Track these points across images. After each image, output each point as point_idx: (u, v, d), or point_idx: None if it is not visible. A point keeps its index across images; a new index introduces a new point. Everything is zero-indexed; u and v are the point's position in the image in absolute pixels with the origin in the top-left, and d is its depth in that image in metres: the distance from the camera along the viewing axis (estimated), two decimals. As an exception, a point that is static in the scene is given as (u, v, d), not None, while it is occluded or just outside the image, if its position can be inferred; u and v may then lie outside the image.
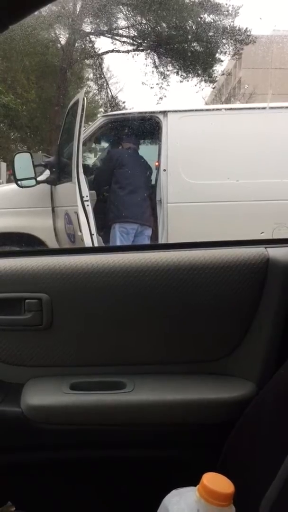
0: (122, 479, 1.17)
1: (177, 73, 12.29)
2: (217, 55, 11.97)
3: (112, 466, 1.18)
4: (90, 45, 12.59)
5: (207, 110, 4.83)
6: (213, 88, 14.50)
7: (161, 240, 3.94)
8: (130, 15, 11.64)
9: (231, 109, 4.79)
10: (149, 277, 1.11)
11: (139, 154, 4.25)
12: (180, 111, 4.06)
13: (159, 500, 0.78)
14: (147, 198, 4.05)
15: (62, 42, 12.61)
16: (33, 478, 1.18)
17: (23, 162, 3.82)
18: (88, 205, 3.53)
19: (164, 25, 11.42)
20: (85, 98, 3.61)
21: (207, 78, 12.53)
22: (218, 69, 12.90)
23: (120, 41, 12.39)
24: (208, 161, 3.87)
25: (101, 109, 14.14)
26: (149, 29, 11.65)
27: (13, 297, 1.13)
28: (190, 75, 12.29)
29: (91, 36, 12.41)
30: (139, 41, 12.23)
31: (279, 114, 4.03)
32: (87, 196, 3.54)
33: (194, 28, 11.22)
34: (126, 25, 11.92)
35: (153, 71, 12.46)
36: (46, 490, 1.17)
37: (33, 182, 3.86)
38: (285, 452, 0.69)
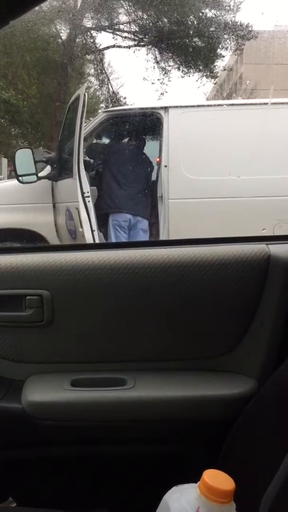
0: (122, 476, 1.17)
1: (178, 68, 12.23)
2: (218, 50, 11.89)
3: (112, 463, 1.18)
4: (91, 40, 12.53)
5: (208, 105, 4.81)
6: (215, 83, 14.42)
7: (162, 236, 3.93)
8: (131, 10, 11.58)
9: (232, 105, 4.75)
10: (150, 274, 1.11)
11: (141, 150, 4.24)
12: (181, 106, 4.05)
13: (159, 496, 0.78)
14: (143, 192, 4.05)
15: (63, 38, 12.55)
16: (34, 474, 1.19)
17: (24, 158, 3.82)
18: (89, 201, 3.53)
19: (166, 20, 11.35)
20: (86, 94, 3.60)
21: (208, 73, 12.46)
22: (220, 64, 12.83)
23: (121, 37, 12.32)
24: (210, 157, 3.86)
25: (102, 105, 14.10)
26: (150, 24, 11.59)
27: (14, 293, 1.13)
28: (192, 71, 12.23)
29: (92, 32, 12.35)
30: (140, 37, 12.16)
31: (280, 109, 4.01)
32: (88, 192, 3.53)
33: (195, 23, 11.15)
34: (127, 20, 11.85)
35: (154, 66, 12.41)
36: (47, 486, 1.17)
37: (34, 178, 3.86)
38: (286, 449, 0.69)
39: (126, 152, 4.13)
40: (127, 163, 4.04)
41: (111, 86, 13.43)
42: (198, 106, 4.26)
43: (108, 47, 12.64)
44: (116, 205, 3.97)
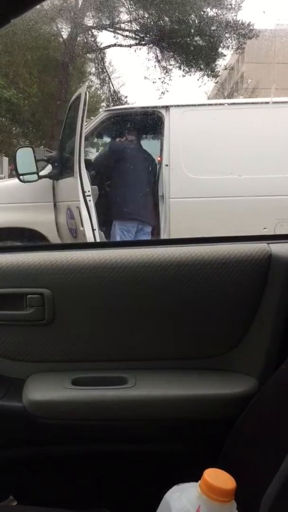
0: (123, 475, 1.18)
1: (180, 67, 12.21)
2: (219, 49, 11.88)
3: (113, 461, 1.18)
4: (92, 39, 12.51)
5: (209, 105, 4.81)
6: (216, 82, 14.41)
7: (163, 235, 3.93)
8: (133, 9, 11.56)
9: (234, 104, 4.76)
10: (151, 273, 1.11)
11: (142, 147, 4.23)
12: (182, 106, 4.05)
13: (160, 495, 0.78)
14: (149, 194, 4.03)
15: (64, 36, 12.52)
16: (34, 473, 1.19)
17: (25, 157, 3.82)
18: (90, 200, 3.53)
19: (167, 19, 11.33)
20: (87, 93, 3.60)
21: (209, 72, 12.45)
22: (221, 63, 12.81)
23: (122, 35, 12.30)
24: (211, 156, 3.85)
25: (103, 104, 14.09)
26: (152, 23, 11.56)
27: (15, 292, 1.13)
28: (193, 70, 12.22)
29: (93, 30, 12.33)
30: (142, 35, 12.15)
31: (282, 109, 4.01)
32: (89, 191, 3.53)
33: (196, 22, 11.13)
34: (128, 19, 11.83)
35: (155, 65, 12.39)
36: (48, 484, 1.17)
37: (35, 177, 3.86)
38: (287, 449, 0.69)
39: (129, 152, 4.08)
40: (133, 165, 3.98)
41: (112, 85, 13.42)
42: (199, 105, 4.25)
43: (109, 46, 12.63)
44: (126, 212, 3.91)
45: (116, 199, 3.97)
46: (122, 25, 12.09)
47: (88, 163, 3.93)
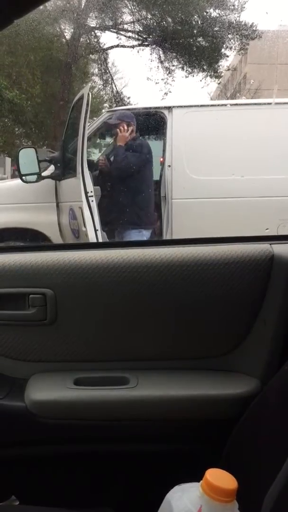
0: (125, 474, 1.18)
1: (182, 68, 12.24)
2: (222, 50, 11.91)
3: (115, 461, 1.18)
4: (95, 40, 12.55)
5: (212, 105, 4.81)
6: (219, 83, 14.44)
7: (166, 236, 3.93)
8: (135, 10, 11.59)
9: (236, 104, 4.76)
10: (154, 273, 1.11)
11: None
12: (185, 106, 4.05)
13: (162, 495, 0.78)
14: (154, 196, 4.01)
15: (67, 37, 12.56)
16: (37, 473, 1.19)
17: (27, 157, 3.82)
18: (92, 201, 3.53)
19: (170, 19, 11.36)
20: (89, 93, 3.60)
21: (212, 73, 12.48)
22: (224, 64, 12.87)
23: (125, 36, 12.34)
24: (213, 157, 3.85)
25: (106, 105, 14.12)
26: (154, 24, 11.60)
27: (17, 292, 1.13)
28: (196, 71, 12.25)
29: (96, 31, 12.37)
30: (144, 36, 12.19)
31: (284, 109, 4.01)
32: (91, 191, 3.54)
33: (199, 23, 11.16)
34: (131, 20, 11.87)
35: (158, 66, 12.43)
36: (50, 484, 1.18)
37: (37, 177, 3.86)
38: None
39: (140, 152, 3.97)
40: (148, 167, 3.85)
41: (115, 86, 13.46)
42: (202, 106, 4.25)
43: (112, 47, 12.67)
44: (152, 218, 3.84)
45: (147, 206, 3.84)
46: (125, 26, 12.13)
47: (90, 163, 3.92)
